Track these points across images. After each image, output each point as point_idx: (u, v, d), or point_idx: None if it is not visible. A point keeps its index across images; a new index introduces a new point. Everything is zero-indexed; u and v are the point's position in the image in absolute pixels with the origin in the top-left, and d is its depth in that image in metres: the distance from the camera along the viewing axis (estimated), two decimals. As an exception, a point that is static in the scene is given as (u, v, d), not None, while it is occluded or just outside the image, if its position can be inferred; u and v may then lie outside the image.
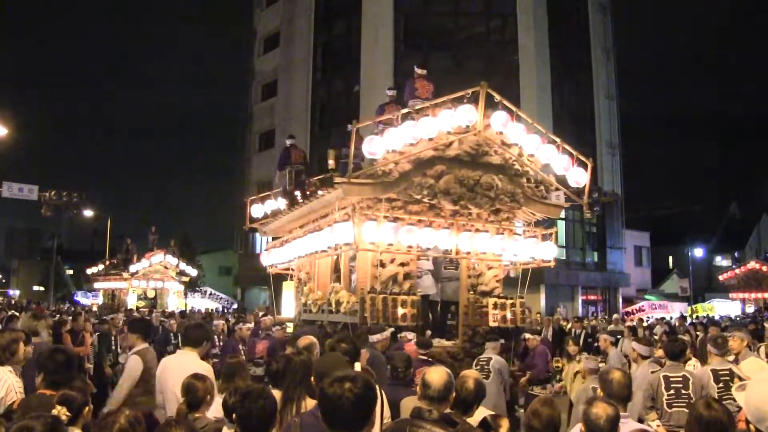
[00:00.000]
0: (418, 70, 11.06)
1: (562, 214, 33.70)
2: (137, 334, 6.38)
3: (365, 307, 8.82)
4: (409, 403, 4.54)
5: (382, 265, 9.31)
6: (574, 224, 35.15)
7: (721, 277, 36.27)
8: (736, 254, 47.78)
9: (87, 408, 3.76)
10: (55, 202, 21.11)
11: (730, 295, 34.57)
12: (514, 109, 9.36)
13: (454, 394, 4.03)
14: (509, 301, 9.81)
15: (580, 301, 34.70)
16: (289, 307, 13.85)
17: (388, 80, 28.95)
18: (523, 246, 9.86)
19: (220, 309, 34.37)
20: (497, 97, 9.14)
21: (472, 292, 9.84)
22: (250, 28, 44.87)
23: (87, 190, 22.61)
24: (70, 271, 56.07)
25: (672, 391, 6.21)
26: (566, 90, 35.90)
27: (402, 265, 9.43)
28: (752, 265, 34.11)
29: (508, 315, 9.72)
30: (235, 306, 37.37)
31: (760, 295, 32.93)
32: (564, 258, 34.26)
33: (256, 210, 14.02)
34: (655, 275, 45.42)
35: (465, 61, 34.15)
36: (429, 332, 9.55)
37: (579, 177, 9.80)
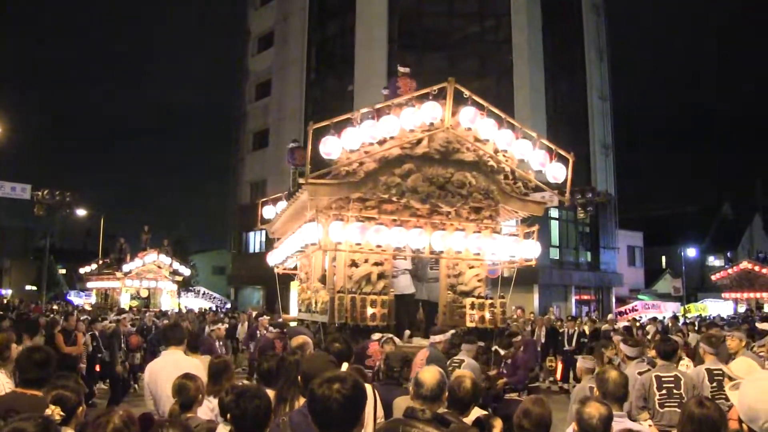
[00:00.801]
0: (401, 69, 10.99)
1: (555, 214, 33.91)
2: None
3: (334, 307, 8.90)
4: (401, 403, 4.54)
5: (355, 264, 9.32)
6: (567, 224, 35.24)
7: (713, 277, 36.34)
8: (728, 254, 47.89)
9: (81, 408, 3.75)
10: (47, 202, 21.11)
11: (723, 295, 34.65)
12: (485, 104, 9.24)
13: (446, 393, 4.03)
14: (488, 302, 9.56)
15: (573, 301, 34.77)
16: (294, 307, 14.05)
17: (382, 80, 28.93)
18: (502, 245, 9.57)
19: (214, 308, 34.33)
20: (466, 93, 9.06)
21: (451, 292, 9.64)
22: (244, 27, 44.80)
23: (79, 190, 22.58)
24: (63, 271, 55.89)
25: (664, 391, 6.23)
26: (560, 90, 35.99)
27: (376, 264, 9.40)
28: (745, 265, 34.19)
29: (487, 315, 9.47)
30: (228, 305, 37.31)
31: (752, 295, 33.03)
32: (557, 258, 34.37)
33: (268, 211, 14.25)
34: (648, 275, 45.53)
35: (459, 61, 34.16)
36: (408, 332, 9.54)
37: (557, 173, 9.55)
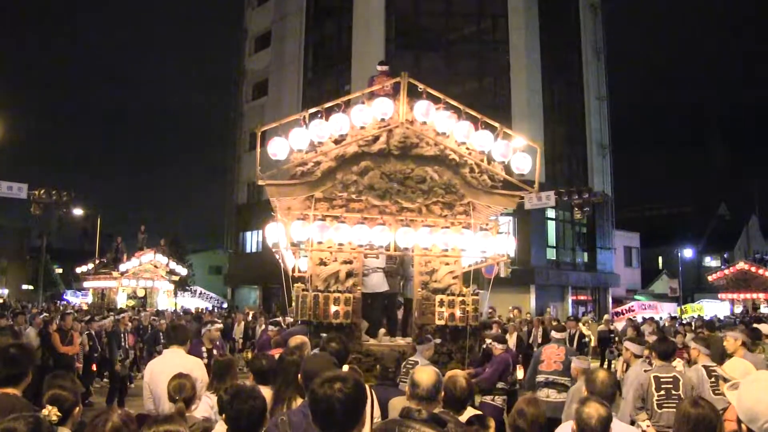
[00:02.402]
0: (380, 67, 10.92)
1: (552, 215, 33.97)
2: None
3: (299, 305, 9.02)
4: (397, 403, 4.54)
5: (324, 263, 9.30)
6: (564, 225, 35.29)
7: (710, 278, 36.45)
8: (725, 255, 48.01)
9: (77, 408, 3.74)
10: (44, 201, 21.00)
11: (719, 295, 34.76)
12: (441, 96, 9.10)
13: (443, 393, 4.03)
14: (458, 299, 9.18)
15: (570, 301, 34.84)
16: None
17: (380, 80, 28.95)
18: (471, 241, 9.13)
19: (210, 308, 34.30)
20: (421, 86, 8.97)
21: (424, 290, 9.39)
22: (240, 27, 44.80)
23: (76, 189, 22.37)
24: (60, 270, 55.82)
25: (662, 392, 6.23)
26: (557, 90, 36.04)
27: (345, 263, 9.36)
28: (741, 265, 34.31)
29: (457, 313, 9.08)
30: (225, 305, 37.30)
31: (748, 295, 33.13)
32: (554, 258, 34.42)
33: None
34: (644, 276, 45.65)
35: (456, 61, 34.21)
36: (383, 330, 9.54)
37: (522, 164, 9.18)
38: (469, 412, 4.52)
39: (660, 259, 49.04)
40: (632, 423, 6.13)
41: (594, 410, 3.53)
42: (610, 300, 37.19)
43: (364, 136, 9.06)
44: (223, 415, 3.48)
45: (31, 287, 53.10)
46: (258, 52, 43.12)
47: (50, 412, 3.28)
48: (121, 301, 27.25)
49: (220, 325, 12.44)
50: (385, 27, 34.39)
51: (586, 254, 36.87)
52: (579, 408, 3.63)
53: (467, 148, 9.10)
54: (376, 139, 9.14)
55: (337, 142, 9.03)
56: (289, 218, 9.20)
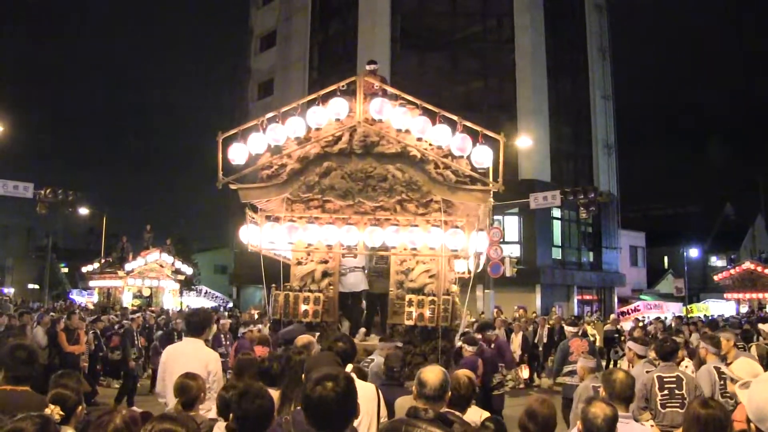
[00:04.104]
0: (368, 66, 10.93)
1: (558, 214, 33.92)
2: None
3: (272, 304, 9.21)
4: (404, 403, 4.52)
5: (300, 263, 9.46)
6: (569, 224, 35.25)
7: (716, 278, 36.32)
8: (731, 255, 47.88)
9: (80, 407, 3.74)
10: (50, 200, 21.07)
11: (725, 295, 34.67)
12: (396, 92, 9.09)
13: (449, 393, 4.01)
14: (428, 299, 8.94)
15: (575, 300, 34.79)
16: None
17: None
18: (438, 238, 8.87)
19: (216, 307, 34.33)
20: (377, 84, 9.06)
21: (399, 289, 9.22)
22: (246, 26, 44.86)
23: (82, 189, 22.50)
24: (65, 269, 55.96)
25: (666, 392, 6.21)
26: (562, 90, 35.98)
27: (321, 262, 9.46)
28: (747, 265, 34.20)
29: (427, 313, 8.83)
30: (231, 305, 37.33)
31: (754, 295, 33.02)
32: (559, 258, 34.38)
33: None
34: (650, 275, 45.56)
35: (461, 61, 34.19)
36: (363, 330, 9.56)
37: (482, 157, 8.84)
38: (474, 410, 4.51)
39: (666, 258, 48.91)
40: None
41: (600, 410, 3.53)
42: (616, 300, 37.12)
43: (325, 136, 9.14)
44: (230, 415, 3.49)
45: (36, 286, 53.25)
46: (263, 51, 43.16)
47: (53, 411, 3.29)
48: (127, 300, 27.32)
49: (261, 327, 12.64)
50: (390, 27, 34.38)
51: (591, 254, 36.81)
52: (585, 408, 3.63)
53: (430, 145, 9.00)
54: (339, 139, 9.20)
55: (302, 143, 9.17)
56: (262, 220, 9.36)
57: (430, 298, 8.94)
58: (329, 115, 8.95)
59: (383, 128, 9.03)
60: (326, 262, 9.46)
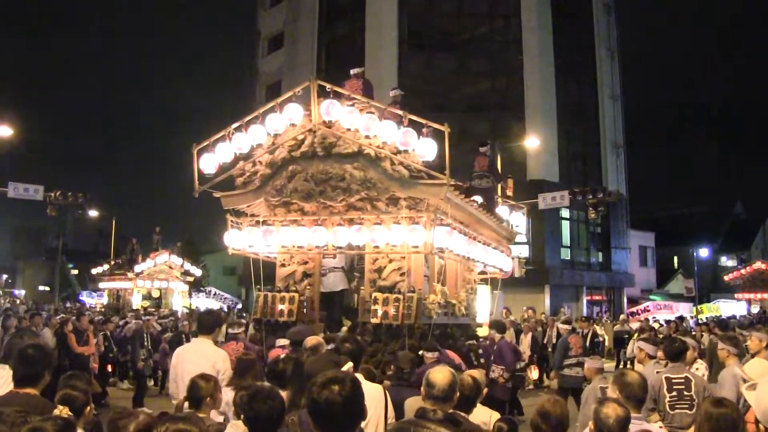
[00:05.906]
0: (353, 71, 11.01)
1: (566, 214, 33.79)
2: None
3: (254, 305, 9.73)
4: (413, 404, 4.52)
5: (283, 264, 9.86)
6: (578, 224, 35.15)
7: (726, 278, 36.15)
8: (741, 255, 47.62)
9: (88, 407, 3.75)
10: (60, 203, 21.18)
11: (736, 295, 34.48)
12: (344, 92, 9.25)
13: (458, 393, 4.01)
14: (392, 296, 8.81)
15: (584, 301, 34.68)
16: None
17: (392, 81, 28.89)
18: (398, 235, 8.77)
19: (225, 308, 34.37)
20: (328, 87, 9.10)
21: (372, 288, 9.19)
22: (253, 28, 44.93)
23: (92, 191, 22.58)
24: (75, 271, 56.15)
25: (674, 393, 6.15)
26: (570, 90, 35.87)
27: (302, 263, 9.83)
28: (758, 265, 34.03)
29: (391, 311, 8.69)
30: (240, 306, 37.39)
31: (765, 295, 32.84)
32: (568, 258, 34.28)
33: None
34: (660, 275, 45.37)
35: (469, 61, 34.16)
36: (345, 328, 9.68)
37: (426, 150, 8.76)
38: (479, 409, 4.51)
39: (675, 258, 48.68)
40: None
41: (612, 411, 3.53)
42: (625, 300, 36.98)
43: (289, 141, 9.44)
44: (241, 416, 3.50)
45: (47, 288, 53.51)
46: (271, 53, 43.21)
47: (61, 412, 3.30)
48: (136, 302, 27.38)
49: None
50: (397, 28, 34.34)
51: (600, 254, 36.69)
52: (597, 408, 3.63)
53: (384, 142, 9.01)
54: (302, 142, 9.45)
55: (271, 149, 9.55)
56: (241, 224, 9.73)
57: (395, 296, 8.84)
58: (284, 120, 9.19)
59: (339, 129, 9.21)
60: (306, 263, 9.80)
